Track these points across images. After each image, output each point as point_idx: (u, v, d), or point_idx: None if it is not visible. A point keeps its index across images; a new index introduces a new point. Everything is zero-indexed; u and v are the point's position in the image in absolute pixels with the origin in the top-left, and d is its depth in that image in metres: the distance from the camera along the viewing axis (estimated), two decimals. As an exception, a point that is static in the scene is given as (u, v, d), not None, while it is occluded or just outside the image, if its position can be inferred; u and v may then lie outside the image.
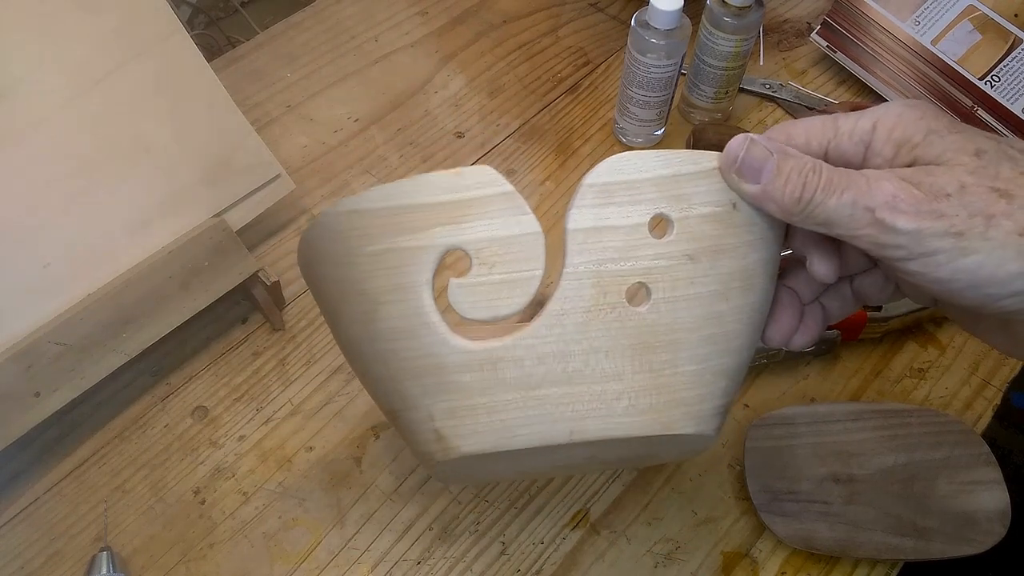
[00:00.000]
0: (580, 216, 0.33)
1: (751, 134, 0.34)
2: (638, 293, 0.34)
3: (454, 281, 0.34)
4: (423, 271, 0.34)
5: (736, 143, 0.34)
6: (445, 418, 0.35)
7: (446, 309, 0.35)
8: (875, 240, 0.31)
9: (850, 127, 0.33)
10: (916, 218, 0.30)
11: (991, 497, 0.50)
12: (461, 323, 0.36)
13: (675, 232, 0.34)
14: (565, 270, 0.34)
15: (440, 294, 0.34)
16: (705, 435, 0.36)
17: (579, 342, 0.34)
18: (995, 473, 0.51)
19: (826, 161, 0.34)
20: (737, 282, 0.35)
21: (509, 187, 0.33)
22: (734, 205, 0.34)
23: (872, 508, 0.49)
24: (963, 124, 0.32)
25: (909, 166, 0.32)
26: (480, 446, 0.35)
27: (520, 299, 0.34)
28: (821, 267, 0.36)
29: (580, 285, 0.34)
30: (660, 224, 0.34)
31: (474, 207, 0.33)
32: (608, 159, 0.33)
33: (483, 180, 0.33)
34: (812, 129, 0.34)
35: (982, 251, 0.30)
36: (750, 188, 0.34)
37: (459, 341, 0.34)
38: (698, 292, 0.34)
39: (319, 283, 0.39)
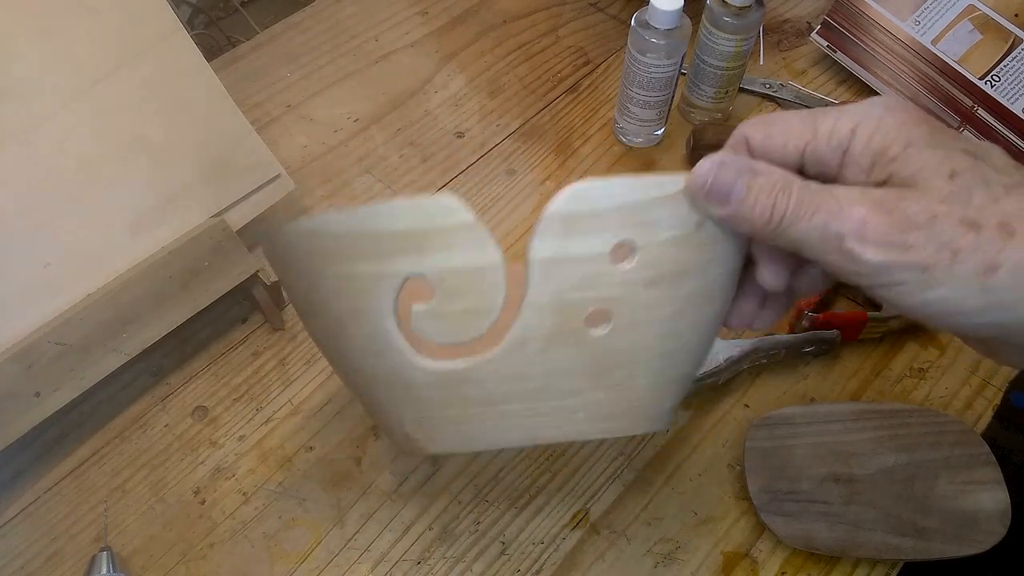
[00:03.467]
0: (542, 246, 0.33)
1: (721, 156, 0.33)
2: (598, 316, 0.34)
3: (417, 308, 0.34)
4: (384, 298, 0.34)
5: (705, 168, 0.33)
6: (414, 425, 0.37)
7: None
8: (842, 267, 0.31)
9: (828, 129, 0.33)
10: (884, 251, 0.30)
11: (991, 497, 0.50)
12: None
13: (638, 259, 0.33)
14: (527, 299, 0.34)
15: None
16: (658, 429, 0.38)
17: (540, 365, 0.35)
18: (995, 473, 0.51)
19: (804, 164, 0.33)
20: (698, 299, 0.35)
21: (471, 217, 0.33)
22: (699, 225, 0.34)
23: (872, 508, 0.49)
24: (942, 132, 0.31)
25: (884, 181, 0.32)
26: (447, 448, 0.38)
27: (482, 327, 0.34)
28: (769, 277, 0.36)
29: (541, 314, 0.34)
30: (623, 249, 0.34)
31: (436, 237, 0.33)
32: (572, 186, 0.32)
33: (446, 209, 0.33)
34: (791, 130, 0.34)
35: (947, 285, 0.30)
36: (719, 211, 0.33)
37: (424, 362, 0.35)
38: (658, 315, 0.35)
39: (287, 289, 0.40)
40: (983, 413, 0.56)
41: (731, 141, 0.36)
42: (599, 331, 0.34)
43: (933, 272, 0.30)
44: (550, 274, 0.33)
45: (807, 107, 0.72)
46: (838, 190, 0.31)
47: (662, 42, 0.62)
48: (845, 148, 0.32)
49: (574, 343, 0.34)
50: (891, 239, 0.30)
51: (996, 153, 0.31)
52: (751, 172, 0.33)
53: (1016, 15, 0.69)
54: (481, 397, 0.35)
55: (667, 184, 0.34)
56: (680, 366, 0.37)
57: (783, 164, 0.34)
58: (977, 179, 0.30)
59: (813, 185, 0.32)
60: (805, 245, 0.32)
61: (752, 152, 0.35)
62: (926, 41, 0.71)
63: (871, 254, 0.30)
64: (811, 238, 0.31)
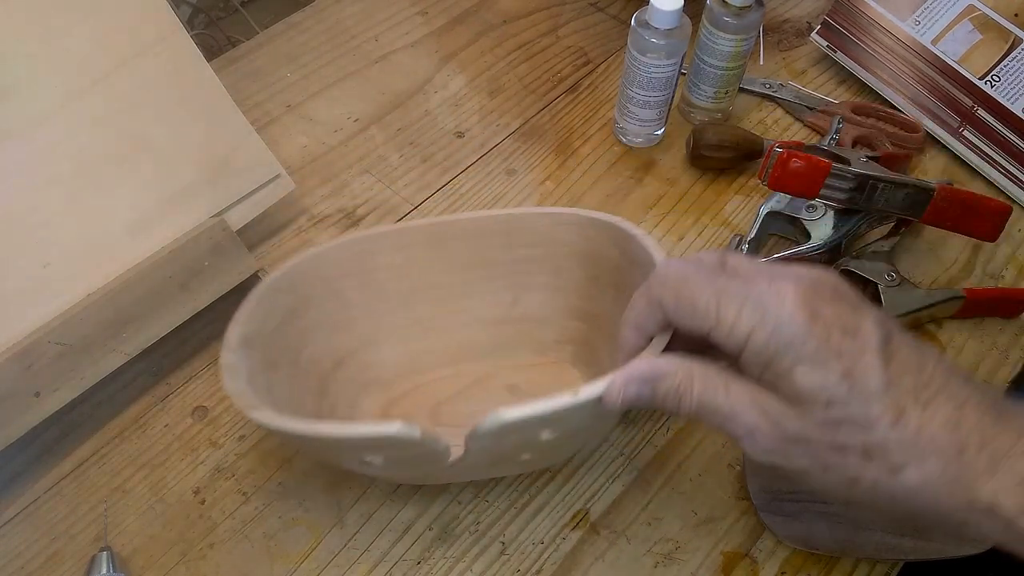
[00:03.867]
0: (478, 442, 0.41)
1: (625, 373, 0.39)
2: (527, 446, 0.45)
3: (372, 459, 0.42)
4: (348, 461, 0.45)
5: (616, 388, 0.39)
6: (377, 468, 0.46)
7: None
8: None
9: (728, 325, 0.36)
10: (769, 455, 0.37)
11: None
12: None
13: (557, 432, 0.42)
14: (466, 456, 0.42)
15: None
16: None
17: (482, 464, 0.45)
18: None
19: (711, 337, 0.37)
20: (610, 423, 0.51)
21: (419, 434, 0.39)
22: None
23: (872, 508, 0.49)
24: (827, 342, 0.34)
25: (773, 384, 0.36)
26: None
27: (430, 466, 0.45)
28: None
29: (480, 456, 0.42)
30: (545, 431, 0.41)
31: (390, 446, 0.41)
32: (494, 416, 0.39)
33: (400, 437, 0.39)
34: (696, 311, 0.37)
35: (819, 483, 0.37)
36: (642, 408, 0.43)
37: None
38: (577, 438, 0.47)
39: None
40: (983, 413, 0.56)
41: (644, 296, 0.40)
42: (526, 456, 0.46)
43: (809, 474, 0.37)
44: (485, 450, 0.42)
45: (807, 107, 0.72)
46: (733, 389, 0.37)
47: (662, 42, 0.62)
48: (741, 348, 0.36)
49: (511, 457, 0.45)
50: (775, 448, 0.36)
51: (872, 375, 0.35)
52: (658, 377, 0.38)
53: (1016, 15, 0.69)
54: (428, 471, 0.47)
55: (582, 393, 0.39)
56: (595, 439, 0.53)
57: (692, 330, 0.38)
58: (845, 414, 0.35)
59: (709, 380, 0.37)
60: (710, 426, 0.39)
61: (666, 314, 0.39)
62: (926, 41, 0.71)
63: (760, 455, 0.37)
64: (713, 427, 0.38)
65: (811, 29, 0.77)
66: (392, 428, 0.39)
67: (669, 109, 0.68)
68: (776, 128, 0.72)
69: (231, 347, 0.45)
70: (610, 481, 0.52)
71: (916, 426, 0.34)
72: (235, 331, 0.46)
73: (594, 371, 0.55)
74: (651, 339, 0.41)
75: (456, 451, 0.42)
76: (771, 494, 0.50)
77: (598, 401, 0.39)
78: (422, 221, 0.54)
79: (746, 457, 0.51)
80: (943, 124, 0.70)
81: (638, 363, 0.39)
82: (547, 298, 0.56)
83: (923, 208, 0.59)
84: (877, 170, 0.58)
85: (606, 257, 0.53)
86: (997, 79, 0.68)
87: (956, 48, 0.70)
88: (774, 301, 0.35)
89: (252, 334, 0.47)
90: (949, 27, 0.70)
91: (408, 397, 0.55)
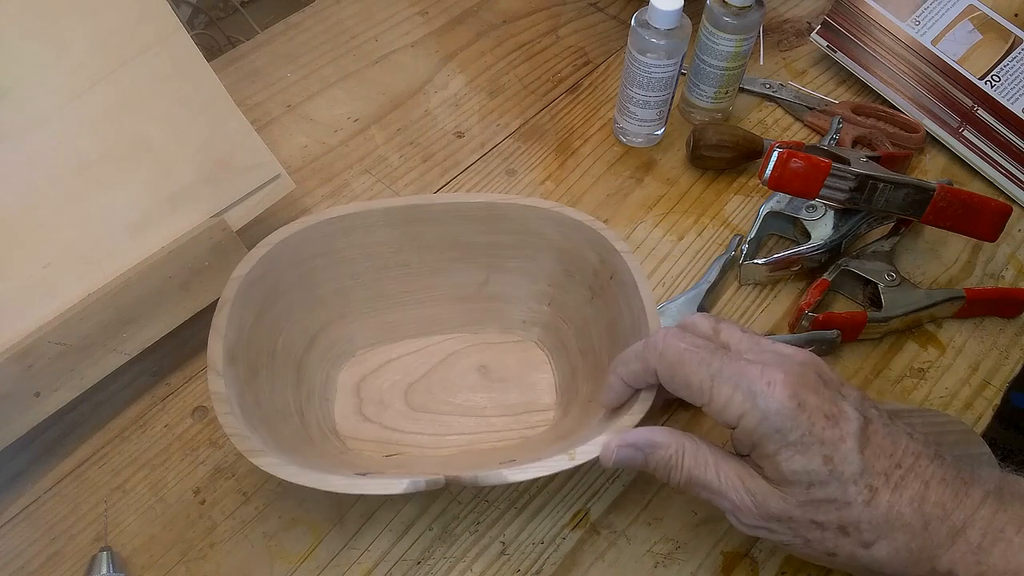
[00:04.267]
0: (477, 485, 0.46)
1: (622, 438, 0.43)
2: None
3: None
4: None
5: (613, 447, 0.43)
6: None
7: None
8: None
9: (720, 405, 0.40)
10: (752, 530, 0.41)
11: None
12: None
13: None
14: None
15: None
16: None
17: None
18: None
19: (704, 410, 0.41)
20: None
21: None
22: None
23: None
24: (811, 428, 0.38)
25: (759, 465, 0.40)
26: None
27: None
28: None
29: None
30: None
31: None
32: (498, 474, 0.43)
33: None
34: (691, 389, 0.41)
35: (801, 554, 0.42)
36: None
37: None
38: None
39: None
40: (983, 413, 0.56)
41: (640, 366, 0.43)
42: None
43: (791, 547, 0.41)
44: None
45: (807, 107, 0.72)
46: (722, 468, 0.41)
47: (662, 42, 0.62)
48: (732, 427, 0.40)
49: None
50: (759, 524, 0.41)
51: (849, 460, 0.38)
52: (651, 447, 0.42)
53: (1016, 15, 0.69)
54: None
55: (579, 457, 0.43)
56: None
57: (685, 399, 0.42)
58: (824, 497, 0.39)
59: (699, 455, 0.41)
60: (697, 497, 0.43)
61: (661, 382, 0.43)
62: (926, 41, 0.71)
63: (744, 529, 0.41)
64: (699, 498, 0.42)
65: (811, 29, 0.77)
66: (400, 486, 0.42)
67: (669, 109, 0.68)
68: (776, 128, 0.72)
69: (217, 369, 0.45)
70: (610, 481, 0.52)
71: (887, 505, 0.39)
72: (218, 346, 0.46)
73: (561, 357, 0.56)
74: (635, 390, 0.45)
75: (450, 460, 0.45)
76: None
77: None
78: (395, 201, 0.54)
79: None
80: (943, 124, 0.70)
81: (635, 431, 0.43)
82: (518, 280, 0.57)
83: (923, 208, 0.59)
84: (877, 170, 0.58)
85: (583, 258, 0.53)
86: (997, 79, 0.68)
87: (956, 48, 0.70)
88: (765, 391, 0.39)
89: (233, 344, 0.47)
90: (949, 27, 0.70)
91: (379, 374, 0.56)
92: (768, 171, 0.56)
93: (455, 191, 0.67)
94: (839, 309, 0.61)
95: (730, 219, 0.66)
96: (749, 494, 0.40)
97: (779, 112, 0.73)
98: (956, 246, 0.65)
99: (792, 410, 0.38)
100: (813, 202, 0.62)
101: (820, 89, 0.75)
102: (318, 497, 0.51)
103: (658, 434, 0.42)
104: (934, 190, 0.58)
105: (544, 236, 0.54)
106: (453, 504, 0.51)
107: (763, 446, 0.39)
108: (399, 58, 0.76)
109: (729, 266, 0.62)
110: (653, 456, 0.42)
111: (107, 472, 0.52)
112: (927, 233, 0.65)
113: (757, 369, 0.39)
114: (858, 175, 0.57)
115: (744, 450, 0.41)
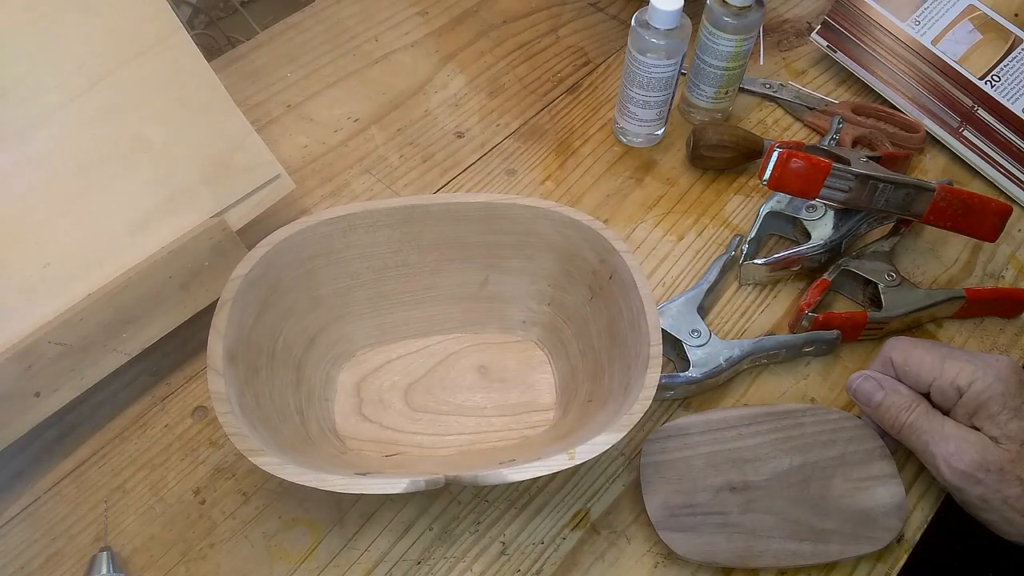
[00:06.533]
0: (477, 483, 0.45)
1: (870, 372, 0.52)
2: None
3: None
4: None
5: (858, 377, 0.52)
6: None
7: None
8: (931, 470, 0.49)
9: (953, 374, 0.48)
10: (960, 479, 0.46)
11: (887, 492, 0.49)
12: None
13: None
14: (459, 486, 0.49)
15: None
16: None
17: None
18: (890, 467, 0.50)
19: (932, 390, 0.49)
20: None
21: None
22: None
23: (769, 515, 0.49)
24: None
25: (979, 428, 0.47)
26: None
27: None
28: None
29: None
30: None
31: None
32: (498, 474, 0.43)
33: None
34: (923, 364, 0.49)
35: (996, 514, 0.46)
36: (863, 409, 0.52)
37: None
38: None
39: None
40: (983, 413, 0.56)
41: (879, 359, 0.52)
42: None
43: (990, 504, 0.46)
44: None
45: (807, 107, 0.72)
46: (947, 424, 0.48)
47: (662, 42, 0.62)
48: (961, 393, 0.47)
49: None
50: (970, 471, 0.46)
51: None
52: (894, 388, 0.50)
53: (1016, 15, 0.69)
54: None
55: (579, 456, 0.43)
56: None
57: (915, 385, 0.50)
58: None
59: (930, 412, 0.48)
60: (913, 449, 0.49)
61: (895, 371, 0.51)
62: (926, 41, 0.71)
63: (951, 477, 0.47)
64: (916, 449, 0.49)
65: (811, 29, 0.77)
66: (400, 486, 0.42)
67: (669, 109, 0.68)
68: (776, 128, 0.72)
69: (217, 368, 0.45)
70: (610, 481, 0.52)
71: None
72: (218, 346, 0.46)
73: (560, 357, 0.56)
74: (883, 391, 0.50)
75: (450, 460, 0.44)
76: (668, 510, 0.49)
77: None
78: (395, 201, 0.54)
79: (642, 474, 0.51)
80: (943, 124, 0.70)
81: (884, 376, 0.51)
82: (518, 281, 0.57)
83: (923, 208, 0.59)
84: (877, 170, 0.58)
85: (582, 258, 0.53)
86: (997, 79, 0.68)
87: (956, 48, 0.70)
88: (994, 363, 0.48)
89: (233, 343, 0.47)
90: (949, 27, 0.70)
91: (379, 374, 0.56)
92: (768, 171, 0.56)
93: (455, 191, 0.67)
94: (839, 309, 0.61)
95: (730, 219, 0.66)
96: (969, 443, 0.46)
97: (779, 112, 0.73)
98: (956, 246, 0.65)
99: (1016, 382, 0.47)
100: (813, 202, 0.62)
101: (820, 89, 0.75)
102: (318, 497, 0.51)
103: (901, 385, 0.50)
104: (934, 190, 0.58)
105: (544, 236, 0.54)
106: (453, 504, 0.51)
107: (988, 406, 0.46)
108: (399, 58, 0.76)
109: (729, 266, 0.62)
110: (891, 396, 0.49)
111: (107, 472, 0.52)
112: (927, 233, 0.65)
113: (984, 354, 0.49)
114: (858, 175, 0.57)
115: (966, 417, 0.47)
